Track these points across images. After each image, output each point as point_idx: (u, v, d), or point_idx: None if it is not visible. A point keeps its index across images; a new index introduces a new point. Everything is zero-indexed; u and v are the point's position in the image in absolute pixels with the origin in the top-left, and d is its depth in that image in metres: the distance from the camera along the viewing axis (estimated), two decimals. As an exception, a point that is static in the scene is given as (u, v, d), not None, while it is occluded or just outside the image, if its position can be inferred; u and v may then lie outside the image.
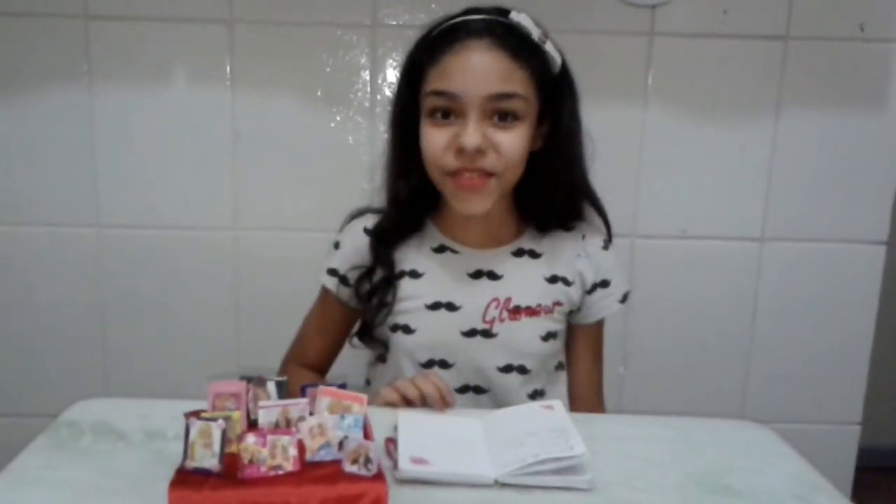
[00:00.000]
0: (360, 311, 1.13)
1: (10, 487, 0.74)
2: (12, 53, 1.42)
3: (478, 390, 1.07)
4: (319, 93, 1.46)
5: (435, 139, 0.98)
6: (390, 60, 1.46)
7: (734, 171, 1.51)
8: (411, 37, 1.05)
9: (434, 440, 0.83)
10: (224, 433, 0.69)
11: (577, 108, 1.04)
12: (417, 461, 0.77)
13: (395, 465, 0.77)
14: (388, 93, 1.46)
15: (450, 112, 0.97)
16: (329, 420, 0.73)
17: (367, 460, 0.70)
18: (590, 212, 1.13)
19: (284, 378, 0.80)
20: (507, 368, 1.06)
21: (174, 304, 1.52)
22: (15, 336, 1.53)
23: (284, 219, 1.50)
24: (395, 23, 1.44)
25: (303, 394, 0.79)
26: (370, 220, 1.11)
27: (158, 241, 1.49)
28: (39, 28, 1.41)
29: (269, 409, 0.75)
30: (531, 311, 1.07)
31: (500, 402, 1.03)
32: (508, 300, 1.06)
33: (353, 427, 0.74)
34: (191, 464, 0.69)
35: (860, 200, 1.52)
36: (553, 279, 1.09)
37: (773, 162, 1.50)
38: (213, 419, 0.70)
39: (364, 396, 0.78)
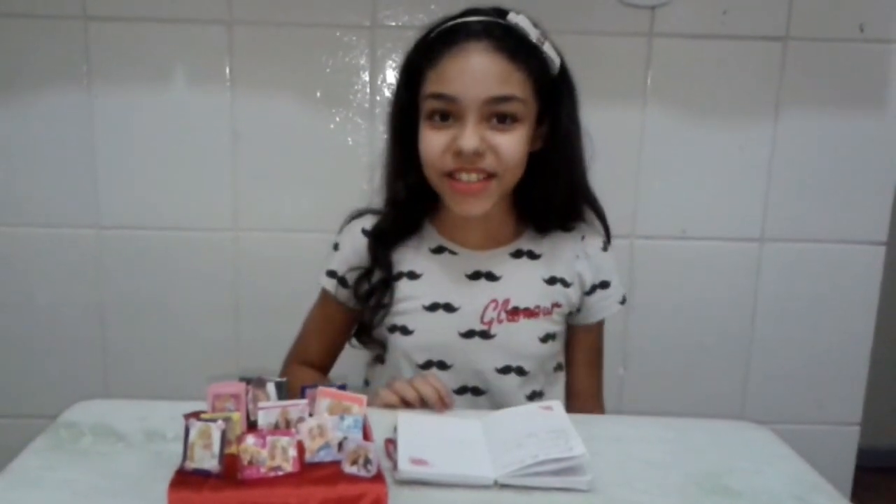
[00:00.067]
0: (360, 311, 1.13)
1: (9, 488, 0.74)
2: (12, 54, 1.42)
3: (476, 391, 1.07)
4: (319, 94, 1.46)
5: (433, 142, 0.98)
6: (390, 61, 1.46)
7: (734, 171, 1.51)
8: (411, 38, 1.05)
9: (434, 441, 0.83)
10: (224, 434, 0.69)
11: (576, 109, 1.04)
12: (417, 462, 0.77)
13: (395, 466, 0.77)
14: (388, 94, 1.46)
15: (448, 114, 0.97)
16: (329, 421, 0.73)
17: (367, 461, 0.70)
18: (589, 212, 1.13)
19: (284, 379, 0.80)
20: (505, 370, 1.06)
21: (174, 305, 1.52)
22: (15, 337, 1.52)
23: (284, 219, 1.50)
24: (394, 24, 1.44)
25: (302, 395, 0.79)
26: (369, 222, 1.11)
27: (158, 241, 1.49)
28: (39, 29, 1.41)
29: (269, 410, 0.75)
30: (529, 313, 1.07)
31: (498, 404, 1.03)
32: (507, 301, 1.06)
33: (352, 428, 0.74)
34: (190, 465, 0.69)
35: (859, 201, 1.52)
36: (552, 280, 1.09)
37: (772, 162, 1.50)
38: (213, 420, 0.70)
39: (364, 397, 0.78)
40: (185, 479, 0.68)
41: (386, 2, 1.43)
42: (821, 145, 1.50)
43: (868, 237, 1.53)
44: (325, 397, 0.78)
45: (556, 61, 1.01)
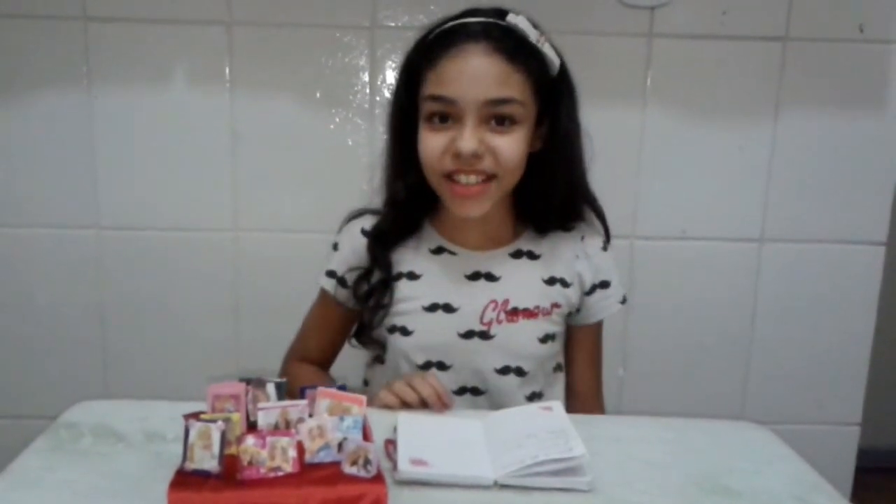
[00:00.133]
0: (359, 311, 1.13)
1: (9, 489, 0.74)
2: (11, 55, 1.42)
3: (475, 392, 1.07)
4: (318, 94, 1.46)
5: (432, 144, 0.98)
6: (389, 62, 1.46)
7: (733, 172, 1.51)
8: (410, 38, 1.05)
9: (433, 441, 0.83)
10: (223, 435, 0.69)
11: (575, 110, 1.04)
12: (417, 462, 0.77)
13: (395, 467, 0.77)
14: (388, 94, 1.46)
15: (447, 116, 0.97)
16: (328, 422, 0.73)
17: (367, 462, 0.70)
18: (589, 213, 1.13)
19: (284, 380, 0.80)
20: (504, 370, 1.06)
21: (174, 306, 1.52)
22: (15, 337, 1.53)
23: (284, 220, 1.50)
24: (393, 24, 1.44)
25: (302, 395, 0.79)
26: (368, 222, 1.11)
27: (158, 242, 1.49)
28: (39, 30, 1.41)
29: (269, 411, 0.75)
30: (529, 313, 1.07)
31: (497, 404, 1.03)
32: (506, 302, 1.06)
33: (352, 428, 0.74)
34: (190, 465, 0.69)
35: (859, 201, 1.52)
36: (551, 281, 1.09)
37: (772, 163, 1.50)
38: (213, 421, 0.70)
39: (363, 398, 0.78)
40: (185, 479, 0.68)
41: (385, 2, 1.43)
42: (821, 145, 1.50)
43: (868, 237, 1.53)
44: (324, 398, 0.78)
45: (556, 62, 1.01)
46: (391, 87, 1.44)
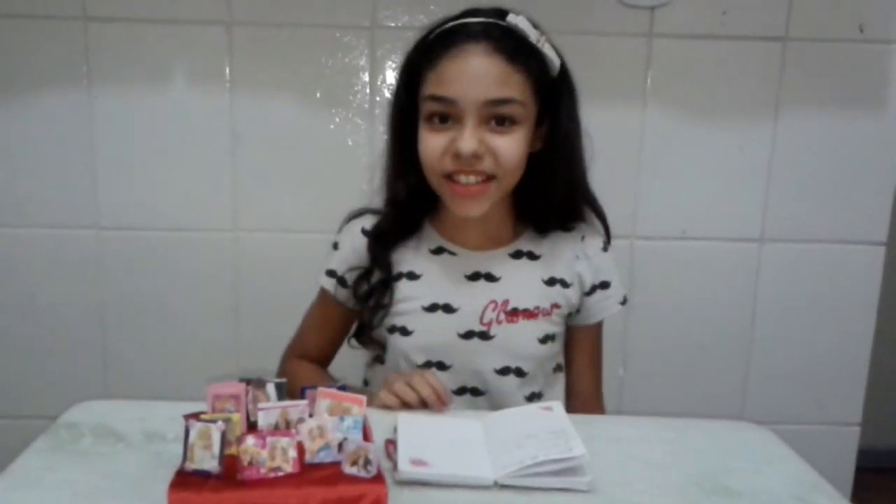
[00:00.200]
0: (358, 310, 1.13)
1: (10, 489, 0.74)
2: (11, 55, 1.42)
3: (475, 392, 1.07)
4: (318, 94, 1.46)
5: (432, 144, 0.98)
6: (389, 62, 1.46)
7: (733, 172, 1.51)
8: (410, 38, 1.05)
9: (433, 442, 0.83)
10: (223, 435, 0.69)
11: (576, 110, 1.04)
12: (417, 463, 0.77)
13: (395, 467, 0.77)
14: (388, 94, 1.46)
15: (447, 117, 0.97)
16: (328, 422, 0.73)
17: (367, 462, 0.70)
18: (589, 213, 1.13)
19: (284, 380, 0.80)
20: (504, 371, 1.06)
21: (174, 306, 1.52)
22: (15, 337, 1.53)
23: (284, 220, 1.50)
24: (393, 24, 1.44)
25: (302, 395, 0.79)
26: (368, 221, 1.11)
27: (158, 242, 1.49)
28: (38, 30, 1.41)
29: (269, 411, 0.75)
30: (529, 314, 1.07)
31: (497, 405, 1.03)
32: (506, 302, 1.06)
33: (352, 429, 0.74)
34: (190, 465, 0.69)
35: (859, 201, 1.52)
36: (551, 281, 1.09)
37: (772, 163, 1.50)
38: (213, 421, 0.70)
39: (363, 398, 0.78)
40: (185, 479, 0.68)
41: (385, 2, 1.43)
42: (820, 146, 1.50)
43: (868, 237, 1.53)
44: (324, 398, 0.78)
45: (556, 62, 1.01)
46: (391, 87, 1.44)
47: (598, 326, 1.15)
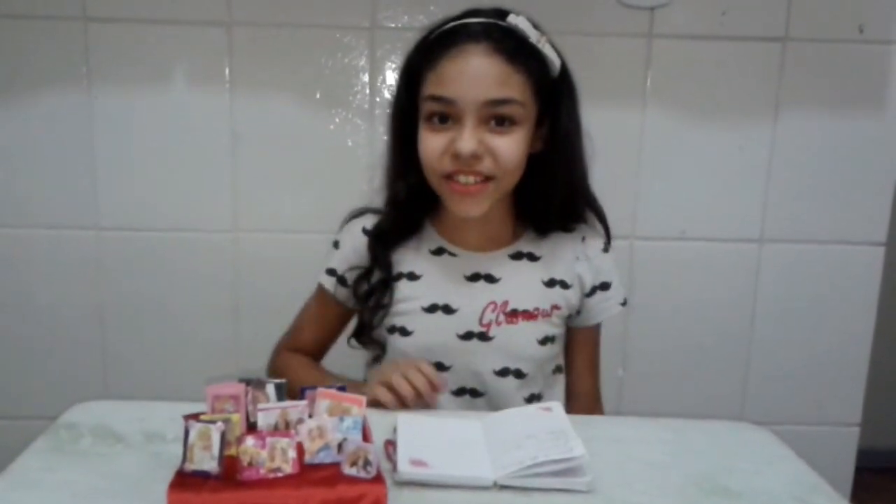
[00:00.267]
0: (357, 309, 1.13)
1: (9, 489, 0.74)
2: (11, 55, 1.42)
3: (474, 394, 1.07)
4: (318, 95, 1.46)
5: (432, 144, 0.98)
6: (389, 63, 1.46)
7: (733, 172, 1.51)
8: (410, 39, 1.05)
9: (433, 442, 0.83)
10: (223, 435, 0.69)
11: (576, 111, 1.04)
12: (416, 463, 0.77)
13: (395, 468, 0.77)
14: (387, 95, 1.46)
15: (447, 117, 0.97)
16: (328, 422, 0.74)
17: (367, 462, 0.70)
18: (590, 213, 1.13)
19: (283, 381, 0.80)
20: (503, 372, 1.06)
21: (173, 306, 1.52)
22: (14, 338, 1.52)
23: (284, 221, 1.50)
24: (393, 25, 1.44)
25: (302, 395, 0.79)
26: (369, 221, 1.11)
27: (158, 243, 1.49)
28: (38, 30, 1.41)
29: (269, 412, 0.75)
30: (528, 315, 1.07)
31: (496, 406, 1.03)
32: (506, 303, 1.06)
33: (352, 429, 0.74)
34: (190, 466, 0.69)
35: (859, 202, 1.52)
36: (551, 283, 1.09)
37: (771, 163, 1.50)
38: (213, 421, 0.70)
39: (363, 399, 0.78)
40: (185, 480, 0.68)
41: (385, 3, 1.43)
42: (820, 146, 1.50)
43: (867, 238, 1.53)
44: (324, 398, 0.78)
45: (557, 63, 1.01)
46: (391, 87, 1.44)
47: (598, 327, 1.15)
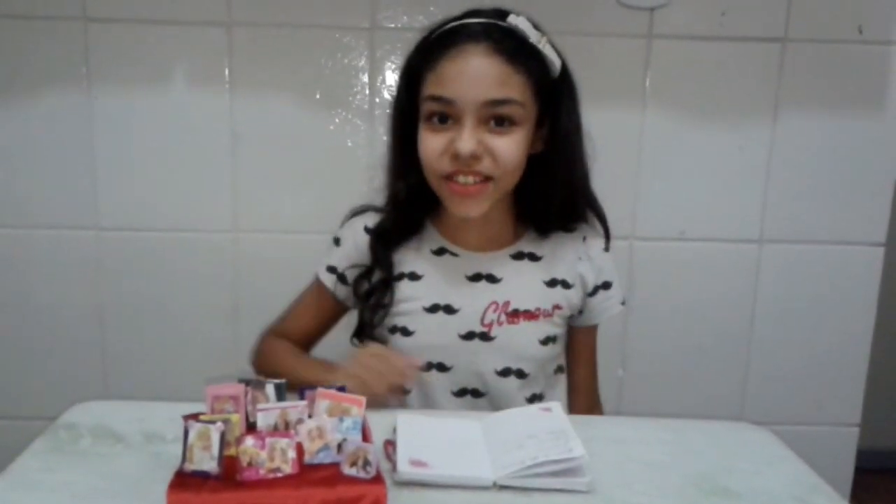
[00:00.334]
0: (356, 307, 1.13)
1: (9, 489, 0.74)
2: (11, 56, 1.42)
3: (476, 394, 1.07)
4: (318, 95, 1.46)
5: (431, 144, 0.98)
6: (389, 63, 1.46)
7: (733, 172, 1.51)
8: (410, 39, 1.05)
9: (433, 442, 0.83)
10: (223, 436, 0.69)
11: (577, 111, 1.04)
12: (416, 463, 0.77)
13: (394, 468, 0.77)
14: (387, 95, 1.46)
15: (447, 117, 0.97)
16: (328, 422, 0.74)
17: (366, 463, 0.70)
18: (589, 213, 1.13)
19: (283, 381, 0.80)
20: (505, 372, 1.06)
21: (173, 307, 1.52)
22: (14, 338, 1.52)
23: (283, 221, 1.50)
24: (393, 25, 1.44)
25: (301, 395, 0.79)
26: (371, 219, 1.11)
27: (158, 243, 1.49)
28: (38, 30, 1.41)
29: (268, 412, 0.75)
30: (530, 315, 1.07)
31: (497, 406, 1.03)
32: (507, 303, 1.06)
33: (351, 429, 0.74)
34: (189, 466, 0.69)
35: (859, 202, 1.52)
36: (552, 283, 1.09)
37: (771, 164, 1.50)
38: (212, 422, 0.70)
39: (363, 399, 0.78)
40: (184, 480, 0.68)
41: (385, 3, 1.43)
42: (820, 146, 1.50)
43: (867, 238, 1.53)
44: (324, 399, 0.78)
45: (557, 63, 1.01)
46: (391, 88, 1.44)
47: (596, 329, 1.15)
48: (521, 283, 1.08)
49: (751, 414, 1.57)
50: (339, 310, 1.15)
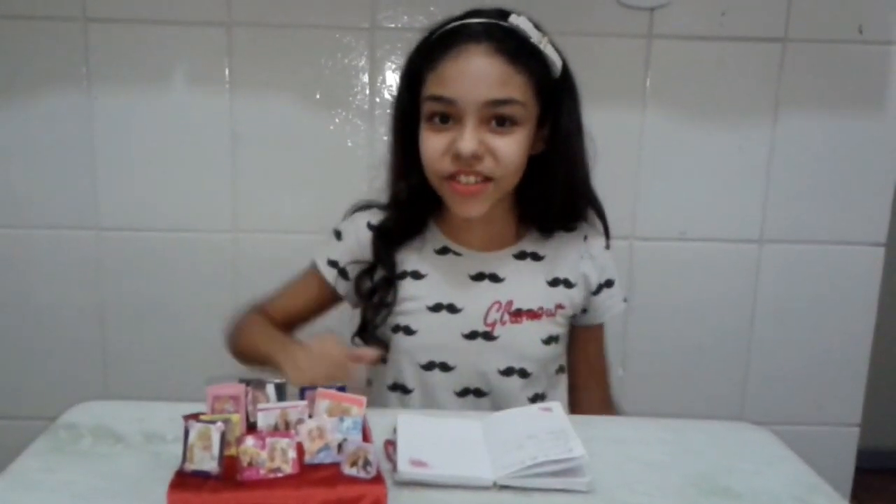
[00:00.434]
0: (353, 304, 1.13)
1: (9, 489, 0.74)
2: (11, 56, 1.42)
3: (478, 393, 1.07)
4: (318, 95, 1.46)
5: (432, 144, 0.98)
6: (389, 63, 1.46)
7: (733, 172, 1.51)
8: (410, 39, 1.05)
9: (433, 442, 0.83)
10: (223, 436, 0.69)
11: (578, 111, 1.04)
12: (416, 463, 0.77)
13: (395, 468, 0.77)
14: (387, 95, 1.46)
15: (448, 117, 0.97)
16: (328, 423, 0.74)
17: (366, 463, 0.70)
18: (589, 211, 1.13)
19: (283, 381, 0.80)
20: (507, 371, 1.06)
21: (173, 307, 1.52)
22: (14, 338, 1.52)
23: (283, 221, 1.50)
24: (393, 25, 1.44)
25: (301, 396, 0.79)
26: (374, 216, 1.11)
27: (158, 243, 1.49)
28: (38, 31, 1.41)
29: (268, 412, 0.75)
30: (532, 315, 1.07)
31: (500, 406, 1.03)
32: (510, 303, 1.06)
33: (351, 429, 0.74)
34: (190, 466, 0.69)
35: (859, 202, 1.52)
36: (555, 282, 1.09)
37: (771, 164, 1.50)
38: (212, 422, 0.70)
39: (363, 399, 0.78)
40: (185, 480, 0.68)
41: (385, 3, 1.43)
42: (820, 146, 1.50)
43: (867, 238, 1.53)
44: (324, 399, 0.78)
45: (558, 63, 1.01)
46: (391, 88, 1.44)
47: (603, 328, 1.15)
48: (524, 282, 1.08)
49: (751, 414, 1.57)
50: (331, 301, 1.13)
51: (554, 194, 1.06)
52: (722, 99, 1.48)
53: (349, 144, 1.48)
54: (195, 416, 0.72)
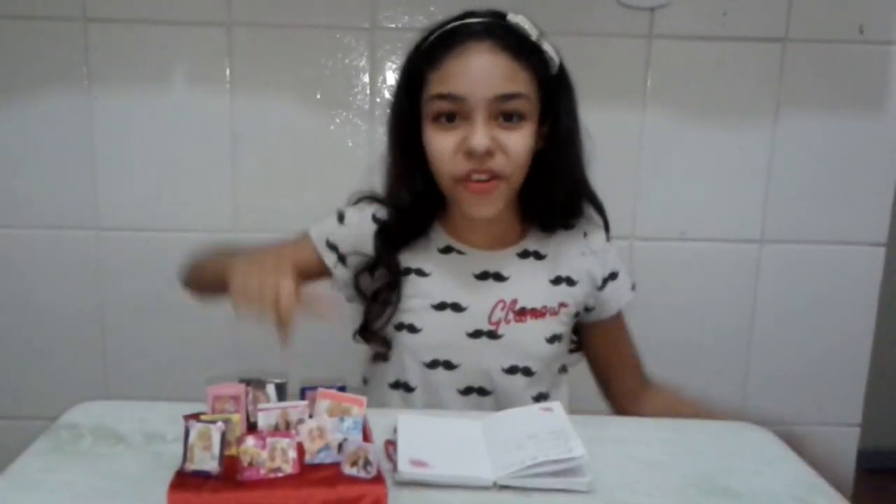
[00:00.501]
0: (348, 297, 1.12)
1: (9, 489, 0.74)
2: (11, 56, 1.42)
3: (482, 392, 1.07)
4: (318, 95, 1.46)
5: (442, 144, 0.97)
6: (389, 63, 1.46)
7: (733, 173, 1.51)
8: (410, 39, 1.05)
9: (433, 442, 0.83)
10: (223, 435, 0.69)
11: (575, 108, 1.04)
12: (417, 463, 0.77)
13: (395, 468, 0.77)
14: (388, 95, 1.46)
15: (454, 115, 0.96)
16: (328, 422, 0.74)
17: (367, 462, 0.70)
18: (587, 207, 1.13)
19: (284, 381, 0.80)
20: (512, 370, 1.06)
21: (174, 306, 1.52)
22: (14, 338, 1.53)
23: (283, 221, 1.49)
24: (393, 26, 1.44)
25: (302, 396, 0.79)
26: (381, 212, 1.10)
27: (158, 243, 1.49)
28: (38, 31, 1.41)
29: (269, 412, 0.75)
30: (537, 313, 1.07)
31: (503, 405, 1.03)
32: (514, 302, 1.06)
33: (352, 429, 0.74)
34: (190, 466, 0.69)
35: (859, 202, 1.52)
36: (557, 280, 1.09)
37: (772, 164, 1.50)
38: (213, 422, 0.70)
39: (363, 399, 0.78)
40: (185, 480, 0.68)
41: (385, 3, 1.43)
42: (820, 147, 1.50)
43: (868, 238, 1.53)
44: (324, 399, 0.78)
45: (556, 60, 1.01)
46: (391, 88, 1.44)
47: (621, 317, 1.15)
48: (528, 281, 1.08)
49: (751, 413, 1.57)
50: (313, 277, 1.09)
51: (556, 191, 1.06)
52: (722, 99, 1.48)
53: (349, 144, 1.48)
54: (195, 416, 0.72)
